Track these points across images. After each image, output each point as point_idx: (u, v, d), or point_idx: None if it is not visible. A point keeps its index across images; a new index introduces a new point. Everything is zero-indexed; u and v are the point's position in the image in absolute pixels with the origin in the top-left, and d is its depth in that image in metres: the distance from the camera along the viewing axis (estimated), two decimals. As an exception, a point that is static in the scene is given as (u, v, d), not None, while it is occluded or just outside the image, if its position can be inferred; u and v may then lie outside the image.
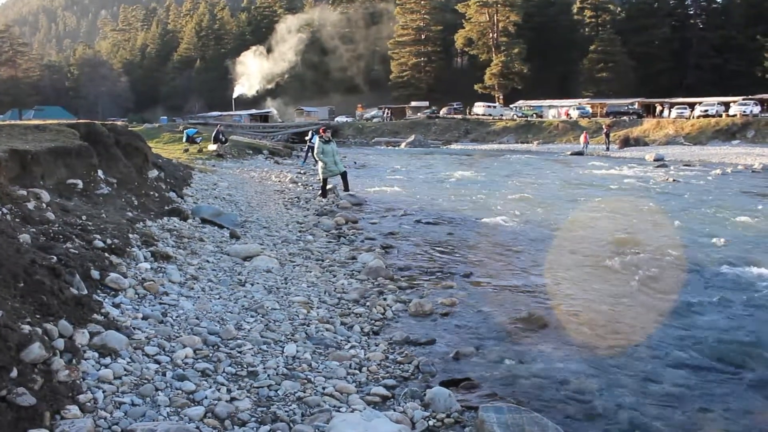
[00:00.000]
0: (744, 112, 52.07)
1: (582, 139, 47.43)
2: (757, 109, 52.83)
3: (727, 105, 54.80)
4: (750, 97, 56.78)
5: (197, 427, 3.92)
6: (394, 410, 4.62)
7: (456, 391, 5.00)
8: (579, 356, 5.90)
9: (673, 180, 24.47)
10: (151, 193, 11.25)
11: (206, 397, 4.33)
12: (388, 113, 78.99)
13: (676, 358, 5.94)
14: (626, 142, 49.06)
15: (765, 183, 24.24)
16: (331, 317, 6.64)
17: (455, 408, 4.66)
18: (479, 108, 73.54)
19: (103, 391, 4.08)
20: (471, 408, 4.64)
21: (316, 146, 17.24)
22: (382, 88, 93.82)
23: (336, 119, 79.18)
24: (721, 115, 53.28)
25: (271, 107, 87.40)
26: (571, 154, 43.40)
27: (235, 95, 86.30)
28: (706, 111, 54.34)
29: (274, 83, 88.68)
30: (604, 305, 7.56)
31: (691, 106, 56.94)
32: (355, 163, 31.96)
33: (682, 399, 5.12)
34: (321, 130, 17.66)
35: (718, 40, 74.56)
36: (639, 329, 6.72)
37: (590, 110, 64.02)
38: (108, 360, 4.50)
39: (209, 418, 4.08)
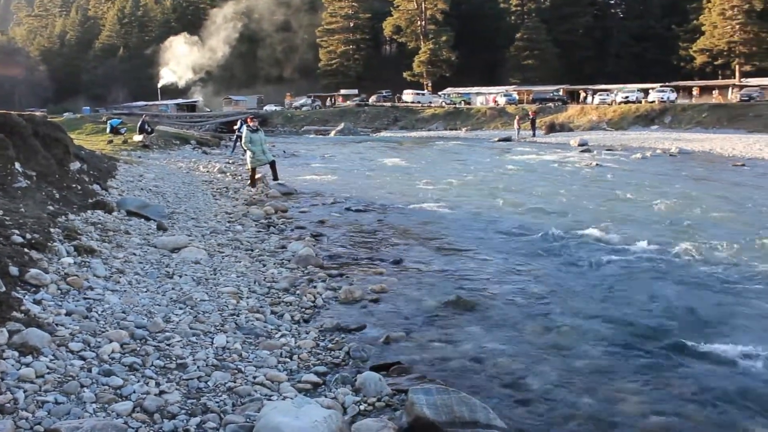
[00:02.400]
0: (662, 98, 54.22)
1: (515, 124, 48.43)
2: (673, 96, 55.10)
3: (646, 92, 56.86)
4: (667, 84, 59.12)
5: (125, 423, 3.86)
6: (326, 396, 4.66)
7: (387, 375, 5.07)
8: (505, 336, 6.08)
9: (596, 164, 25.25)
10: (74, 185, 10.91)
11: (134, 392, 4.27)
12: (333, 100, 78.22)
13: (598, 335, 6.18)
14: (552, 128, 50.26)
15: (681, 166, 25.28)
16: (261, 306, 6.63)
17: (386, 392, 4.74)
18: (408, 95, 73.99)
19: (24, 391, 3.96)
20: (401, 391, 4.71)
21: (243, 135, 17.06)
22: (311, 77, 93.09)
23: (265, 108, 78.16)
24: (640, 102, 55.32)
25: (199, 97, 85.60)
26: (499, 140, 44.16)
27: (160, 84, 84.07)
28: (627, 97, 56.27)
29: (203, 72, 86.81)
30: (529, 287, 7.79)
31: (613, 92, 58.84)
32: (284, 152, 31.68)
33: (604, 374, 5.33)
34: (248, 119, 17.49)
35: (637, 29, 77.05)
36: (563, 309, 6.96)
37: (517, 97, 65.28)
38: (29, 359, 4.37)
39: (138, 412, 4.03)
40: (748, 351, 5.62)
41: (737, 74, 62.22)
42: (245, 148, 17.09)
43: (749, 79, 59.43)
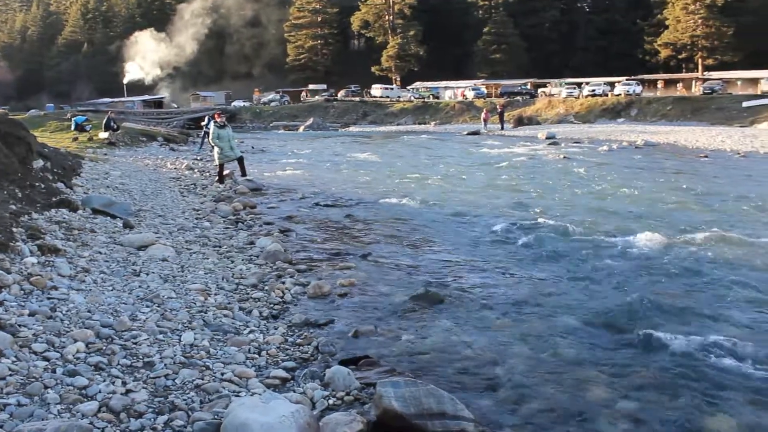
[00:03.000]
0: (628, 91, 54.96)
1: (483, 116, 48.70)
2: (639, 89, 55.87)
3: (612, 85, 57.54)
4: (633, 77, 59.87)
5: (91, 423, 3.82)
6: (294, 391, 4.67)
7: (356, 369, 5.09)
8: (474, 329, 6.12)
9: (564, 157, 25.49)
10: (37, 184, 10.73)
11: (100, 391, 4.22)
12: (307, 94, 77.73)
13: (566, 326, 6.26)
14: (520, 122, 50.67)
15: (647, 158, 25.66)
16: (229, 303, 6.60)
17: (355, 386, 4.76)
18: (377, 90, 73.93)
19: (-15, 394, 3.91)
20: (370, 384, 4.73)
21: (211, 131, 16.94)
22: (279, 72, 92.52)
23: (233, 104, 77.48)
24: (607, 95, 55.97)
25: (166, 93, 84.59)
26: (468, 134, 44.33)
27: (126, 80, 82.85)
28: (594, 91, 56.85)
29: (170, 68, 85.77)
30: (498, 279, 7.87)
31: (580, 86, 59.43)
32: (252, 147, 31.49)
33: (571, 364, 5.40)
34: (216, 115, 17.36)
35: (602, 23, 77.97)
36: (531, 300, 7.04)
37: (485, 91, 65.61)
38: (-10, 361, 4.31)
39: (103, 412, 3.99)
40: (713, 340, 5.73)
41: (700, 68, 63.28)
42: (213, 145, 16.96)
43: (711, 73, 60.50)
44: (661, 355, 5.54)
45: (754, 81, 54.07)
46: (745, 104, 47.40)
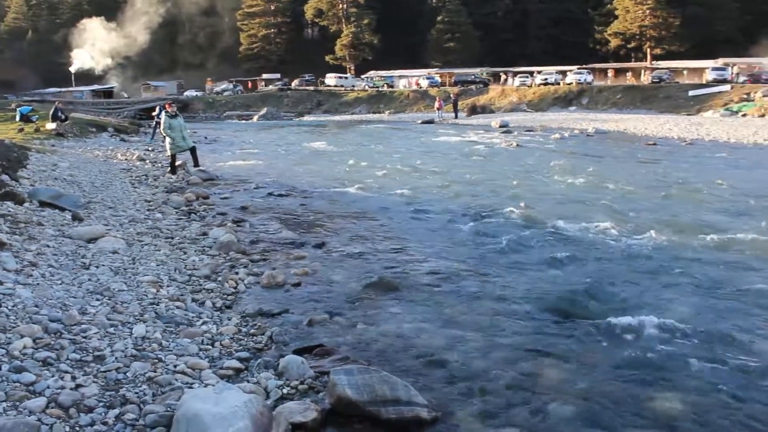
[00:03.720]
0: (579, 80, 55.90)
1: (436, 105, 48.91)
2: (590, 78, 56.87)
3: (564, 74, 58.37)
4: (584, 66, 60.80)
5: (39, 420, 3.75)
6: (248, 382, 4.66)
7: (310, 357, 5.10)
8: (428, 316, 6.19)
9: (517, 145, 25.80)
10: (-20, 176, 10.44)
11: (48, 387, 4.14)
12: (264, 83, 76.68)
13: (518, 311, 6.36)
14: (474, 110, 51.04)
15: (598, 146, 26.15)
16: (181, 294, 6.53)
17: (309, 374, 4.77)
18: (331, 79, 73.70)
19: (-74, 394, 3.81)
20: (324, 373, 4.74)
21: (162, 121, 16.67)
22: (232, 61, 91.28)
23: (185, 94, 76.26)
24: (559, 84, 56.78)
25: (116, 82, 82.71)
26: (422, 123, 44.49)
27: (74, 69, 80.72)
28: (546, 79, 57.60)
29: (120, 57, 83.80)
30: (451, 266, 7.93)
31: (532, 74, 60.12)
32: (206, 138, 31.09)
33: (524, 348, 5.49)
34: (167, 105, 17.08)
35: (555, 12, 78.78)
36: (484, 287, 7.13)
37: (439, 80, 65.94)
38: (-70, 360, 4.20)
39: (52, 408, 3.92)
40: (660, 323, 5.88)
41: (648, 57, 64.56)
42: (164, 135, 16.70)
43: (659, 62, 61.86)
44: (611, 339, 5.67)
45: (700, 71, 55.46)
46: (691, 93, 48.66)
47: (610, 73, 62.39)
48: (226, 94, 75.38)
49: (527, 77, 59.89)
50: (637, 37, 64.35)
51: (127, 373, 4.55)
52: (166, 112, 16.51)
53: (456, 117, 47.52)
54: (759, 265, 8.05)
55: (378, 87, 69.32)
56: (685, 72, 57.92)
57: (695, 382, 4.86)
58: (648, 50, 64.71)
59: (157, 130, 24.74)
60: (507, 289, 7.07)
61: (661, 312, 6.22)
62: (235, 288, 6.98)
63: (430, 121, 45.12)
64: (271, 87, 76.06)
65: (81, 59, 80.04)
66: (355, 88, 69.38)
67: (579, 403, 4.54)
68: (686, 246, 8.98)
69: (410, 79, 69.96)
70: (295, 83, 74.73)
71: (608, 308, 6.34)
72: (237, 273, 7.46)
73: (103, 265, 7.18)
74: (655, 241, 9.17)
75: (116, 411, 4.00)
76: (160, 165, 18.48)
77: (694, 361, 5.18)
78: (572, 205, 12.21)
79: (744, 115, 40.66)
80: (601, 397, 4.64)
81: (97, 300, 5.97)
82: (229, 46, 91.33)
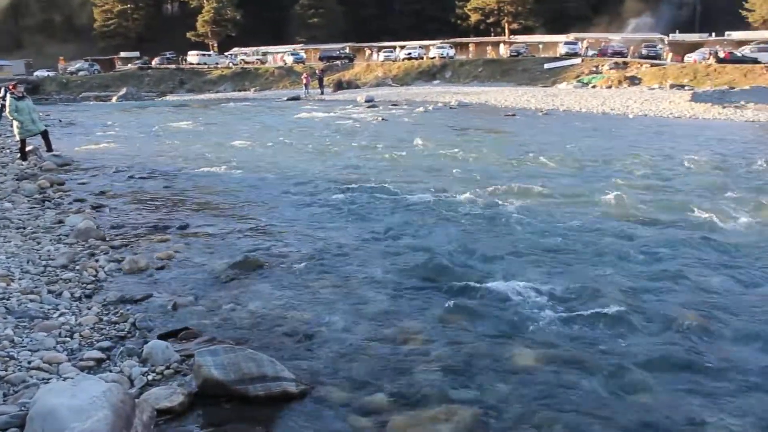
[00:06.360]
0: (442, 54, 57.16)
1: (303, 80, 48.50)
2: (452, 52, 58.28)
3: (427, 48, 59.50)
4: (446, 40, 62.17)
5: None
6: (111, 371, 4.53)
7: (175, 342, 5.02)
8: (295, 292, 6.22)
9: (382, 119, 26.13)
10: None
11: None
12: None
13: (384, 282, 6.53)
14: (340, 86, 51.04)
15: (460, 118, 26.98)
16: (36, 287, 6.19)
17: (174, 359, 4.70)
18: (193, 57, 71.09)
19: None
20: (190, 356, 4.67)
21: (8, 104, 15.52)
22: (86, 39, 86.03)
23: (35, 74, 71.03)
24: (422, 58, 57.83)
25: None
26: (288, 100, 43.99)
27: None
28: (410, 54, 58.48)
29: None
30: (317, 242, 7.99)
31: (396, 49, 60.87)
32: (60, 120, 29.26)
33: (391, 317, 5.66)
34: (11, 86, 15.91)
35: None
36: (350, 260, 7.25)
37: (304, 56, 65.39)
38: None
39: None
40: (517, 285, 6.23)
41: (507, 32, 66.90)
42: (11, 118, 15.57)
43: (517, 36, 64.22)
44: (472, 302, 5.95)
45: (554, 45, 58.20)
46: (546, 66, 51.12)
47: (472, 48, 64.17)
48: (81, 73, 70.89)
49: (392, 52, 60.54)
50: (496, 12, 66.41)
51: (-27, 376, 4.28)
52: (12, 94, 15.39)
53: (322, 93, 47.36)
54: (604, 225, 8.70)
55: (245, 62, 67.97)
56: (540, 46, 60.58)
57: (549, 337, 5.20)
58: (506, 25, 66.98)
59: (3, 114, 23.03)
60: (372, 261, 7.22)
61: (517, 275, 6.59)
62: (95, 276, 6.70)
63: (296, 98, 44.70)
64: (130, 66, 72.31)
65: None
66: (219, 66, 67.49)
67: (444, 366, 4.75)
68: (540, 211, 9.52)
69: (275, 56, 68.91)
70: (155, 61, 71.45)
71: (469, 273, 6.63)
72: (97, 260, 7.16)
73: (-58, 263, 6.68)
74: (512, 207, 9.65)
75: (-39, 417, 3.76)
76: (9, 151, 17.25)
77: (548, 318, 5.54)
78: (435, 176, 12.58)
79: (594, 87, 43.25)
80: (464, 359, 4.87)
81: (-64, 300, 5.56)
82: (83, 23, 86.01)
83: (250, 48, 73.14)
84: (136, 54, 77.38)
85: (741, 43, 47.79)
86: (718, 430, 3.94)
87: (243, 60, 69.34)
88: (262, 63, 68.07)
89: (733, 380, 4.53)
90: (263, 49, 71.89)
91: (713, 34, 54.17)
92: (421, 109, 31.00)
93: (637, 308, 5.73)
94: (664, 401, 4.26)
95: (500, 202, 10.00)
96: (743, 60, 42.43)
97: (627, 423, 4.01)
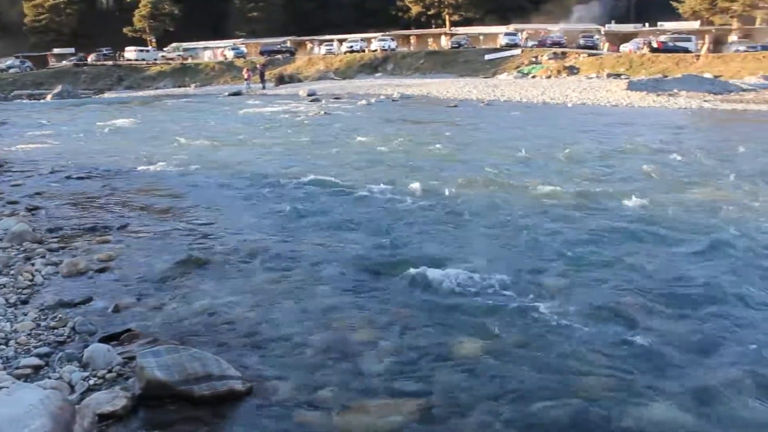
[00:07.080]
0: (383, 47, 57.28)
1: (245, 75, 47.92)
2: (394, 44, 58.51)
3: (369, 41, 59.53)
4: (387, 33, 62.30)
5: None
6: (50, 378, 4.41)
7: (118, 344, 4.91)
8: (240, 289, 6.17)
9: (325, 113, 26.02)
10: None
11: None
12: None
13: (330, 276, 6.55)
14: (281, 80, 50.61)
15: (403, 110, 27.10)
16: (-33, 295, 5.98)
17: (117, 362, 4.61)
18: (131, 53, 69.48)
19: None
20: (133, 358, 4.58)
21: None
22: (17, 35, 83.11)
23: (-39, 72, 68.51)
24: (364, 51, 57.83)
25: None
26: (230, 95, 43.36)
27: None
28: (351, 47, 58.43)
29: None
30: (261, 238, 7.93)
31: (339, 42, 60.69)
32: (-11, 121, 28.29)
33: (336, 310, 5.67)
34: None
35: (353, -19, 79.49)
36: (295, 255, 7.20)
37: (245, 50, 64.64)
38: None
39: None
40: (461, 272, 6.32)
41: (447, 23, 67.40)
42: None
43: (458, 28, 64.79)
44: (418, 292, 6.03)
45: (494, 36, 58.92)
46: (487, 57, 51.75)
47: (413, 40, 64.49)
48: (12, 71, 68.41)
49: (333, 45, 60.35)
50: (436, 4, 66.84)
51: None
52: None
53: (264, 87, 46.84)
54: (545, 213, 8.90)
55: (183, 57, 66.77)
56: (481, 37, 61.28)
57: (493, 327, 5.28)
58: (447, 17, 67.47)
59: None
60: (316, 255, 7.20)
61: (461, 265, 6.66)
62: (31, 281, 6.49)
63: (238, 93, 44.09)
64: (64, 62, 70.10)
65: None
66: (158, 62, 66.13)
67: (390, 359, 4.78)
68: (483, 201, 9.65)
69: (215, 51, 67.91)
70: (91, 58, 69.50)
71: (414, 265, 6.65)
72: (33, 264, 6.94)
73: None
74: (456, 198, 9.76)
75: None
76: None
77: (491, 307, 5.63)
78: (378, 169, 12.61)
79: (533, 77, 43.98)
80: (410, 350, 4.92)
81: None
82: (12, 18, 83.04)
83: (173, 44, 71.95)
84: (71, 50, 75.11)
85: (673, 33, 49.32)
86: (655, 402, 4.08)
87: (164, 56, 68.04)
88: (184, 60, 66.87)
89: (663, 357, 4.72)
90: (202, 44, 70.75)
91: (647, 24, 55.76)
92: (364, 102, 30.98)
93: (575, 295, 5.88)
94: (604, 384, 4.40)
95: (445, 193, 10.10)
96: (675, 49, 43.80)
97: (569, 408, 4.12)
